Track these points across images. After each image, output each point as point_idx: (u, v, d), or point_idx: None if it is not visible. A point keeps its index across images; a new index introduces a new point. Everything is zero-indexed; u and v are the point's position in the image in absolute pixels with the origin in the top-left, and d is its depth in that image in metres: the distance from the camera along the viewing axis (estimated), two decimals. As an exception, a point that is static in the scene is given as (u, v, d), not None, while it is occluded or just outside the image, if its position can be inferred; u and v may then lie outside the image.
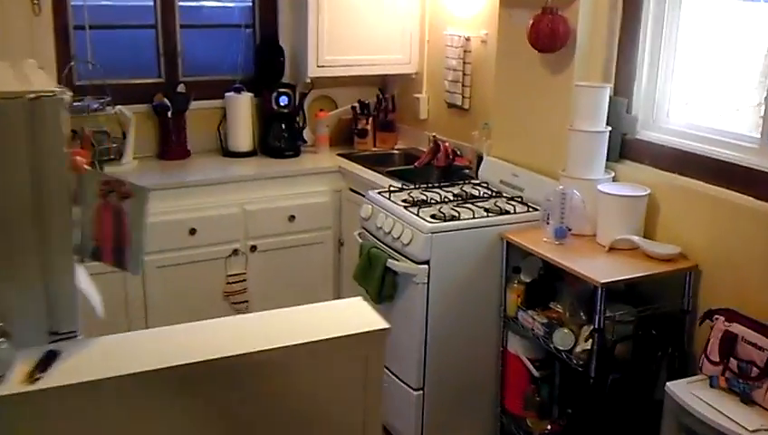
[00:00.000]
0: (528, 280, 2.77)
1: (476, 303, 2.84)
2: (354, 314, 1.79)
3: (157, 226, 3.42)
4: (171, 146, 3.91)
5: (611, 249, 2.59)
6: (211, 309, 3.60)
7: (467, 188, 3.16)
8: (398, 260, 2.80)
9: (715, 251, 2.43)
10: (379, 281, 2.82)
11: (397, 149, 4.20)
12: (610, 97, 2.74)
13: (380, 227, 2.93)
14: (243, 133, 3.96)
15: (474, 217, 2.79)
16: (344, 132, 4.26)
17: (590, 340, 2.43)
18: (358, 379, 1.70)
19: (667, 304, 2.51)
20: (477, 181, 3.29)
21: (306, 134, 4.14)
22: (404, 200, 3.00)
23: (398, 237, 2.79)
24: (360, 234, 3.11)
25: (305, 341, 1.63)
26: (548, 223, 2.68)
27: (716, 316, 2.25)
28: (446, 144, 3.79)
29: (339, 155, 4.02)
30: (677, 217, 2.56)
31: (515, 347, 2.84)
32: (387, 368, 3.01)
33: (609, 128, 2.72)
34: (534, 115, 3.07)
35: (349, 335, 1.65)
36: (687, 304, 2.49)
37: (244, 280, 3.65)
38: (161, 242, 3.45)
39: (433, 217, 2.80)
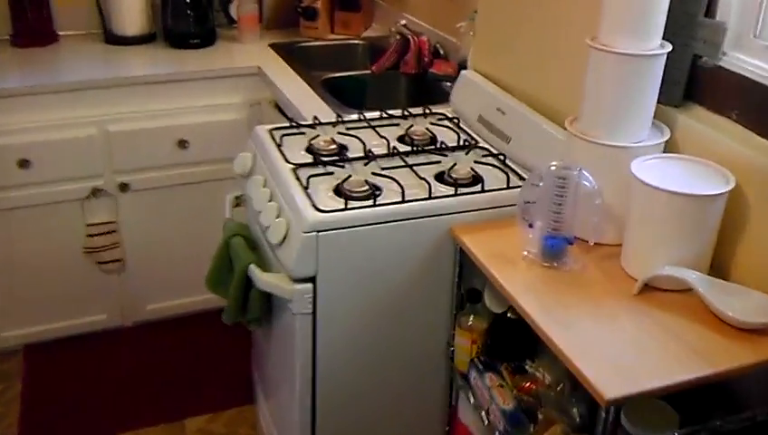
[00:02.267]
0: (495, 312, 1.55)
1: (407, 343, 1.65)
2: None
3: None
4: (28, 26, 2.69)
5: (647, 289, 1.34)
6: (68, 271, 2.52)
7: (419, 128, 1.88)
8: (266, 268, 1.62)
9: None
10: (237, 294, 1.64)
11: (362, 39, 2.89)
12: (677, -15, 1.40)
13: (252, 200, 1.72)
14: (131, 10, 2.70)
15: (402, 201, 1.54)
16: (289, 12, 2.95)
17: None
18: None
19: (750, 411, 1.29)
20: (444, 113, 2.00)
21: (234, 10, 2.87)
22: (307, 150, 1.77)
23: (268, 227, 1.58)
24: (236, 198, 1.90)
25: None
26: (531, 226, 1.43)
27: None
28: (422, 38, 2.48)
29: (271, 46, 2.74)
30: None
31: (467, 417, 1.67)
32: (271, 417, 1.89)
33: (669, 47, 1.40)
34: (544, 12, 1.74)
35: None
36: (787, 420, 1.26)
37: (114, 231, 2.52)
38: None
39: (337, 192, 1.57)
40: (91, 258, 2.52)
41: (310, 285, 1.51)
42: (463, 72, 2.01)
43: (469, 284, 1.59)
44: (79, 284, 2.55)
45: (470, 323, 1.57)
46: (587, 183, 1.36)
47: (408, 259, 1.56)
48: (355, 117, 1.94)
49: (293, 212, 1.52)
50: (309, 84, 2.34)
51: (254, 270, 1.57)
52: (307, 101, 2.20)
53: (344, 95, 2.30)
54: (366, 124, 1.88)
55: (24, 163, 2.32)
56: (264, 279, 1.54)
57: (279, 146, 1.76)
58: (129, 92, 2.42)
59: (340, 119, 1.91)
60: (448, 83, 2.33)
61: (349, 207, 1.50)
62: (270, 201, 1.62)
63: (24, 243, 2.43)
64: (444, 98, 2.24)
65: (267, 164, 1.73)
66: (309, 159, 1.70)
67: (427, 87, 2.40)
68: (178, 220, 2.57)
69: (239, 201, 1.89)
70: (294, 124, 1.88)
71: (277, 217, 1.56)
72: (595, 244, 1.46)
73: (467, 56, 2.13)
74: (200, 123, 2.49)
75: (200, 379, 2.50)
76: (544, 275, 1.40)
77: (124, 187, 2.46)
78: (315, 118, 1.90)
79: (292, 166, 1.66)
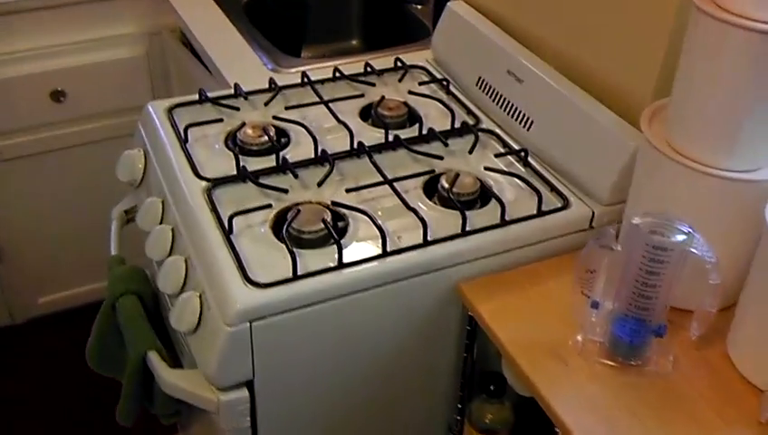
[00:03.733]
0: (522, 395, 1.05)
1: None
2: None
3: None
4: None
5: (783, 413, 0.84)
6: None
7: (393, 99, 1.28)
8: (177, 348, 1.06)
9: None
10: (133, 388, 1.09)
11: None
12: None
13: (146, 238, 1.12)
14: None
15: (382, 254, 0.97)
16: None
17: None
18: None
19: None
20: (426, 68, 1.40)
21: None
22: (227, 142, 1.17)
23: (170, 299, 1.01)
24: (126, 213, 1.29)
25: None
26: (596, 307, 0.89)
27: None
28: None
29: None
30: None
31: None
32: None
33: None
34: None
35: None
36: None
37: (-18, 214, 1.90)
38: None
39: (277, 232, 1.00)
40: (-44, 250, 1.91)
41: (244, 393, 0.96)
42: (449, 4, 1.39)
43: (483, 360, 1.07)
44: (-58, 281, 1.95)
45: (486, 419, 1.06)
46: (698, 252, 0.81)
47: (389, 339, 1.02)
48: (297, 77, 1.33)
49: (210, 283, 0.95)
50: (225, 11, 1.68)
51: (157, 364, 1.01)
52: (223, 42, 1.56)
53: (275, 24, 1.67)
54: (316, 98, 1.27)
55: None
56: (171, 382, 0.99)
57: (184, 142, 1.15)
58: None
59: (274, 86, 1.29)
60: (418, 5, 1.73)
61: (300, 273, 0.94)
62: (171, 253, 1.04)
63: None
64: (415, 28, 1.64)
65: (166, 178, 1.13)
66: (231, 166, 1.11)
67: (389, 8, 1.77)
68: (63, 193, 1.95)
69: (132, 215, 1.29)
70: (205, 97, 1.26)
71: (183, 289, 0.98)
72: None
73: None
74: (80, 66, 1.83)
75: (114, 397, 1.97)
76: (616, 383, 0.89)
77: (-14, 158, 1.83)
78: (237, 86, 1.28)
79: (205, 184, 1.07)
